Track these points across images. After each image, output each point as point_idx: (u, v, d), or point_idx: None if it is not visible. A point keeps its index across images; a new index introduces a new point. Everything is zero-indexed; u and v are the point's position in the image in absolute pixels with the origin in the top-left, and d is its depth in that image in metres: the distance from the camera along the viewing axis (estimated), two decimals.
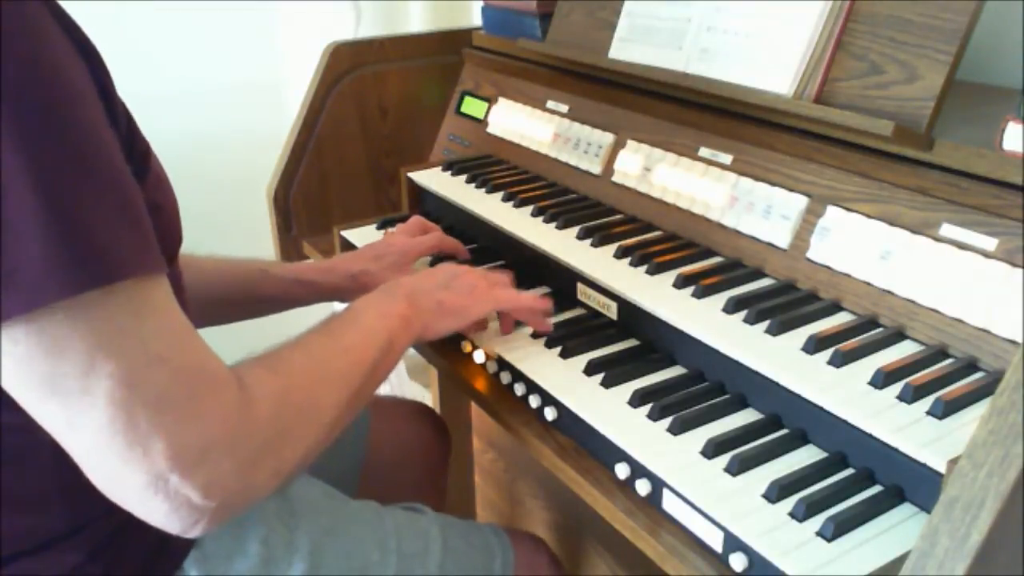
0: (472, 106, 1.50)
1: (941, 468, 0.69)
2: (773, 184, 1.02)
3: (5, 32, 0.58)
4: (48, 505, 0.75)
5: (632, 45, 1.22)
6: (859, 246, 0.91)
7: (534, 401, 0.94)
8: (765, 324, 0.89)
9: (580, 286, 1.07)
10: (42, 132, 0.59)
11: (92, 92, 0.64)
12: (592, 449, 0.88)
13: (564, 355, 0.97)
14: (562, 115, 1.33)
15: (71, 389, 0.60)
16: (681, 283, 0.98)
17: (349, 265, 1.15)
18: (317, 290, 1.15)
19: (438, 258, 1.21)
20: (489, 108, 1.47)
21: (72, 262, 0.59)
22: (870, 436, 0.75)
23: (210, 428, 0.65)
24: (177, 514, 0.64)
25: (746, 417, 0.87)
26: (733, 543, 0.72)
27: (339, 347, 0.83)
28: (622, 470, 0.83)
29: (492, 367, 1.01)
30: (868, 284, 0.90)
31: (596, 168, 1.24)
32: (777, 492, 0.74)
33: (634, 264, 1.04)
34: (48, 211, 0.58)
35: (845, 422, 0.77)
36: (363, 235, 1.33)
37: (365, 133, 1.54)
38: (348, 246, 1.32)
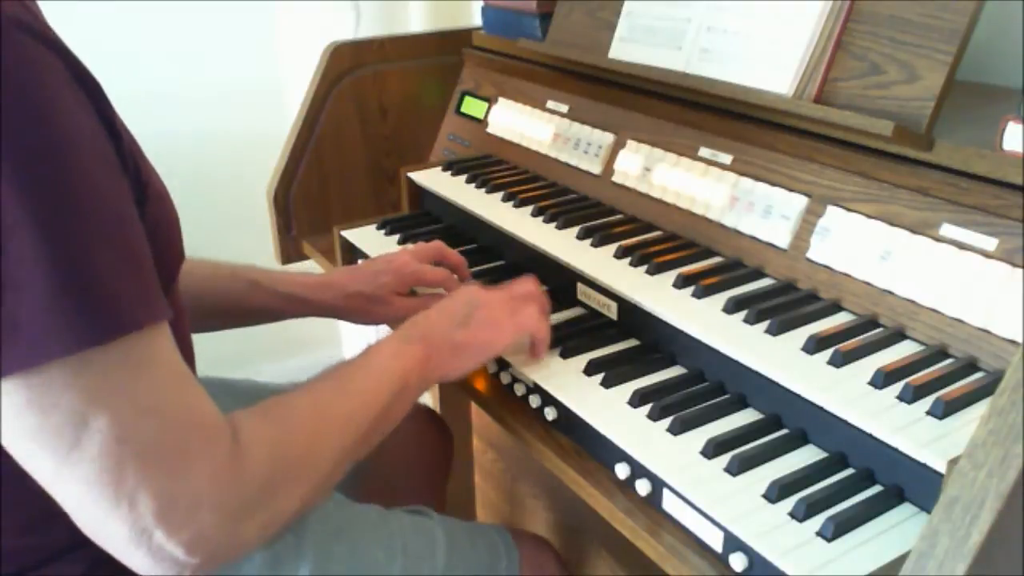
0: (472, 106, 1.50)
1: (941, 468, 0.69)
2: (773, 184, 1.02)
3: (5, 77, 0.57)
4: (50, 524, 0.74)
5: (632, 45, 1.22)
6: (859, 246, 0.91)
7: (534, 401, 0.94)
8: (765, 324, 0.89)
9: (580, 286, 1.07)
10: (45, 182, 0.58)
11: (99, 132, 0.63)
12: (592, 449, 0.88)
13: (564, 355, 0.97)
14: (562, 115, 1.33)
15: (60, 443, 0.59)
16: (681, 283, 0.98)
17: (345, 284, 1.12)
18: (308, 307, 1.12)
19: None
20: (489, 108, 1.47)
21: (73, 319, 0.58)
22: (870, 436, 0.75)
23: (198, 483, 0.64)
24: (159, 567, 0.64)
25: (746, 417, 0.87)
26: (733, 543, 0.72)
27: (346, 391, 0.81)
28: (622, 470, 0.83)
29: (492, 367, 1.01)
30: (868, 284, 0.90)
31: (596, 168, 1.24)
32: (777, 492, 0.74)
33: (634, 264, 1.04)
34: (50, 265, 0.57)
35: (845, 422, 0.77)
36: (363, 235, 1.33)
37: (365, 133, 1.53)
38: (348, 246, 1.32)
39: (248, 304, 1.11)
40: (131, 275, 0.62)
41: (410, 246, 1.22)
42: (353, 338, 2.39)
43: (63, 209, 0.59)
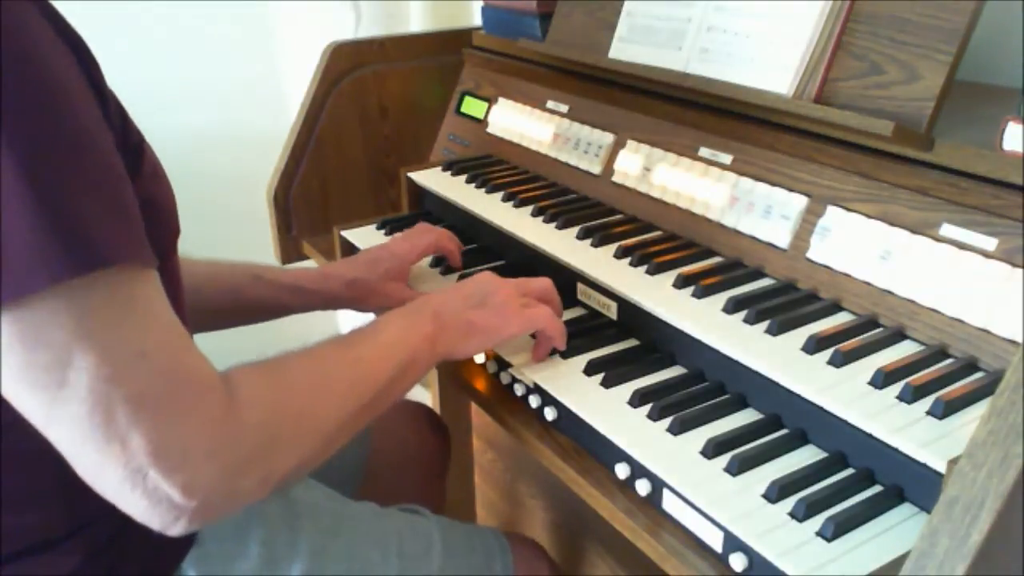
0: (472, 106, 1.50)
1: (941, 468, 0.69)
2: (773, 184, 1.02)
3: None
4: (47, 505, 0.75)
5: (632, 45, 1.22)
6: (859, 246, 0.91)
7: (534, 401, 0.94)
8: (765, 324, 0.89)
9: (580, 286, 1.07)
10: (32, 122, 0.59)
11: (81, 83, 0.64)
12: (592, 449, 0.88)
13: (564, 355, 0.97)
14: (562, 115, 1.33)
15: (49, 381, 0.60)
16: (681, 283, 0.98)
17: (344, 272, 1.13)
18: (312, 298, 1.13)
19: (438, 259, 1.21)
20: (489, 108, 1.47)
21: (58, 249, 0.58)
22: (870, 436, 0.75)
23: (191, 430, 0.64)
24: (156, 510, 0.64)
25: (746, 417, 0.87)
26: (733, 543, 0.72)
27: (350, 357, 0.81)
28: (622, 470, 0.83)
29: (492, 367, 1.01)
30: (868, 284, 0.90)
31: (596, 168, 1.24)
32: (777, 492, 0.74)
33: (634, 264, 1.04)
34: (36, 199, 0.58)
35: (845, 422, 0.77)
36: (363, 235, 1.33)
37: (365, 133, 1.54)
38: (348, 246, 1.32)
39: (250, 297, 1.10)
40: (115, 216, 0.63)
41: (398, 235, 1.23)
42: None
43: (50, 148, 0.59)
